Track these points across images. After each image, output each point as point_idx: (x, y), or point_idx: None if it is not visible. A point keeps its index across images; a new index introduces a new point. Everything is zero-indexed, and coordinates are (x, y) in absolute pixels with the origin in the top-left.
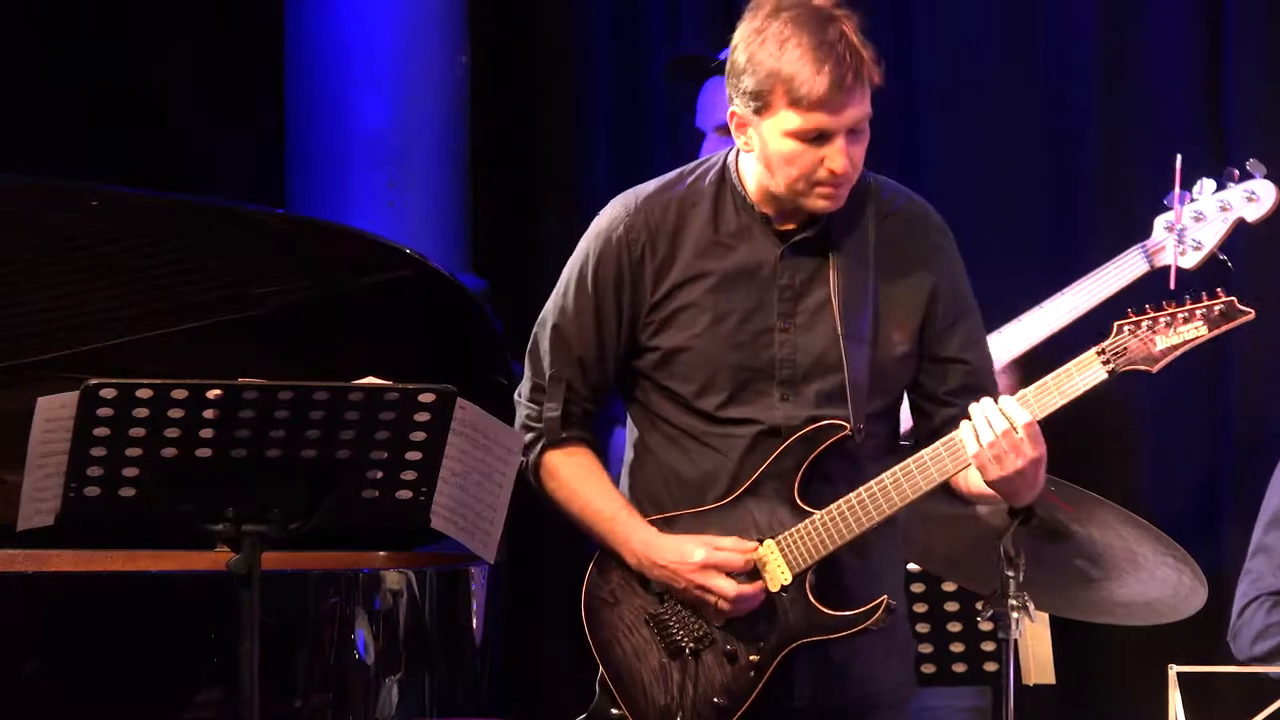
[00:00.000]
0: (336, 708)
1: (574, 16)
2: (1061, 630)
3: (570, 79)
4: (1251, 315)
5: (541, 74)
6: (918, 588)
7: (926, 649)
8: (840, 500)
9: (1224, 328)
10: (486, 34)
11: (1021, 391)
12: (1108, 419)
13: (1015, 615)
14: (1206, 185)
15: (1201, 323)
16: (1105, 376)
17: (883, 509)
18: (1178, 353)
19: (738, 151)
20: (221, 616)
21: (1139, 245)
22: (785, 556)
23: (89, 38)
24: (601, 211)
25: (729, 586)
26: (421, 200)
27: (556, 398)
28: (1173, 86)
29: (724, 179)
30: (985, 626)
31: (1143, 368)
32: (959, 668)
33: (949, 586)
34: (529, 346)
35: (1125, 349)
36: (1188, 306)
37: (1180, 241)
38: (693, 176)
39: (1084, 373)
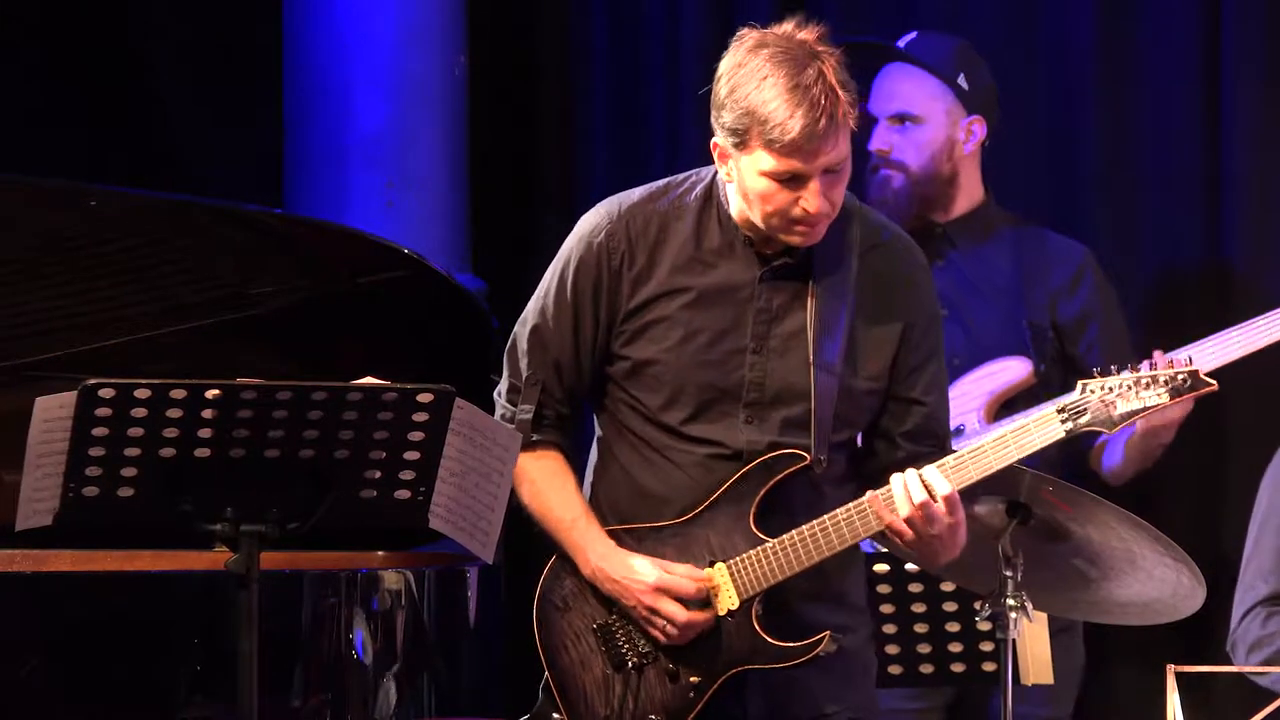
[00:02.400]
0: (335, 708)
1: (574, 16)
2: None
3: (570, 79)
4: (1214, 387)
5: (541, 74)
6: (916, 587)
7: (925, 649)
8: (794, 531)
9: (1186, 398)
10: (486, 34)
11: (979, 442)
12: None
13: (1013, 615)
14: None
15: (1164, 390)
16: (1063, 435)
17: (833, 544)
18: (1137, 418)
19: None
20: (220, 616)
21: None
22: (734, 581)
23: (89, 37)
24: (585, 216)
25: (678, 612)
26: (420, 200)
27: (530, 400)
28: (1173, 87)
29: (711, 195)
30: (984, 626)
31: (1100, 429)
32: (957, 667)
33: (947, 586)
34: (508, 345)
35: (1085, 409)
36: (1152, 372)
37: None
38: (680, 189)
39: (1042, 429)
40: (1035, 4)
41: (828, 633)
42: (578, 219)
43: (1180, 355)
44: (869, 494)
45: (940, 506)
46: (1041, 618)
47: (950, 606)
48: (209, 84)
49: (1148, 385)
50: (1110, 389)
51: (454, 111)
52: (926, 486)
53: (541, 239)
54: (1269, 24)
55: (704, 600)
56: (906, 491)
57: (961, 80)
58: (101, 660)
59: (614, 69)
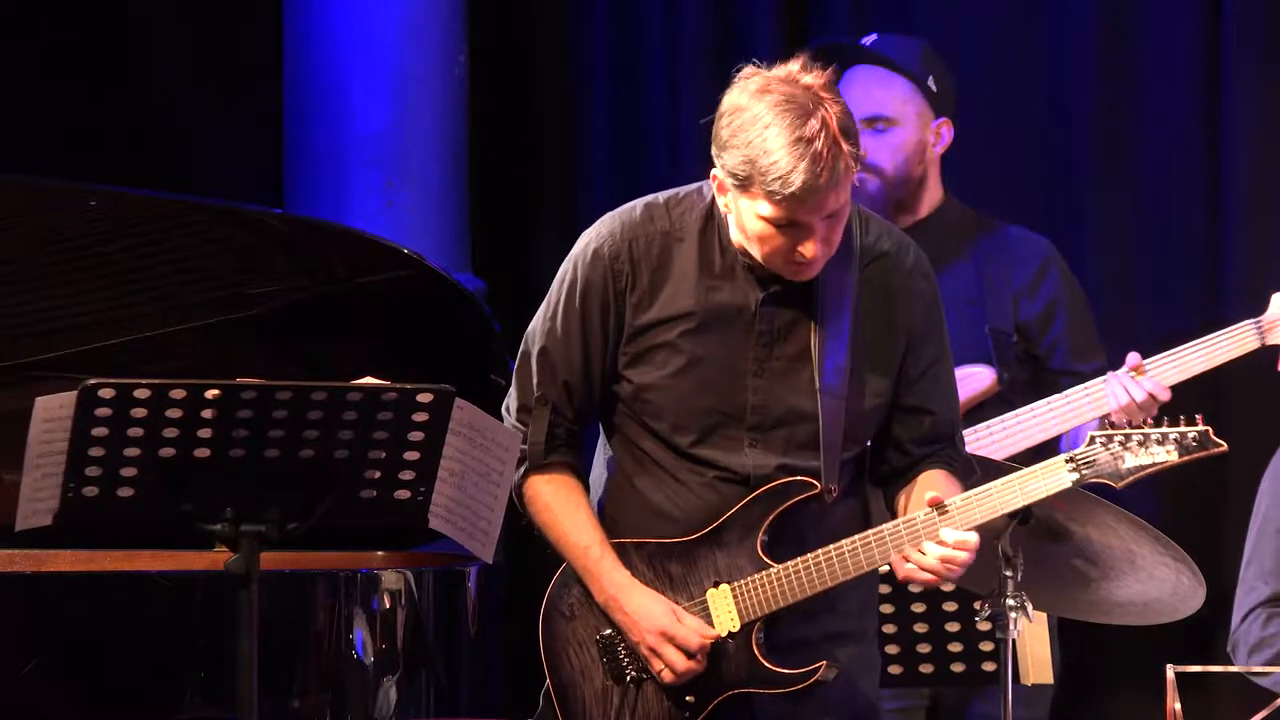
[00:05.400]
0: (335, 707)
1: (574, 17)
2: (1060, 630)
3: (570, 79)
4: (1224, 449)
5: (541, 74)
6: (916, 587)
7: (925, 649)
8: (800, 558)
9: (1195, 456)
10: (486, 33)
11: (987, 485)
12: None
13: (1013, 615)
14: None
15: (1174, 448)
16: (1069, 485)
17: (837, 575)
18: (1144, 474)
19: None
20: (220, 616)
21: (1253, 320)
22: (737, 604)
23: (88, 37)
24: (587, 234)
25: (679, 661)
26: (420, 200)
27: (541, 420)
28: (1173, 87)
29: (712, 216)
30: (983, 626)
31: (1108, 482)
32: (957, 667)
33: (947, 586)
34: (517, 362)
35: (1094, 461)
36: (1163, 429)
37: None
38: (680, 208)
39: (1050, 477)
40: (1035, 4)
41: (824, 663)
42: (577, 218)
43: (1143, 363)
44: (893, 523)
45: (967, 556)
46: (1041, 618)
47: (950, 606)
48: (209, 84)
49: (1158, 442)
50: (1120, 442)
51: (454, 111)
52: (955, 546)
53: (541, 238)
54: (1269, 24)
55: (705, 617)
56: (938, 561)
57: (931, 83)
58: (101, 660)
59: (614, 69)
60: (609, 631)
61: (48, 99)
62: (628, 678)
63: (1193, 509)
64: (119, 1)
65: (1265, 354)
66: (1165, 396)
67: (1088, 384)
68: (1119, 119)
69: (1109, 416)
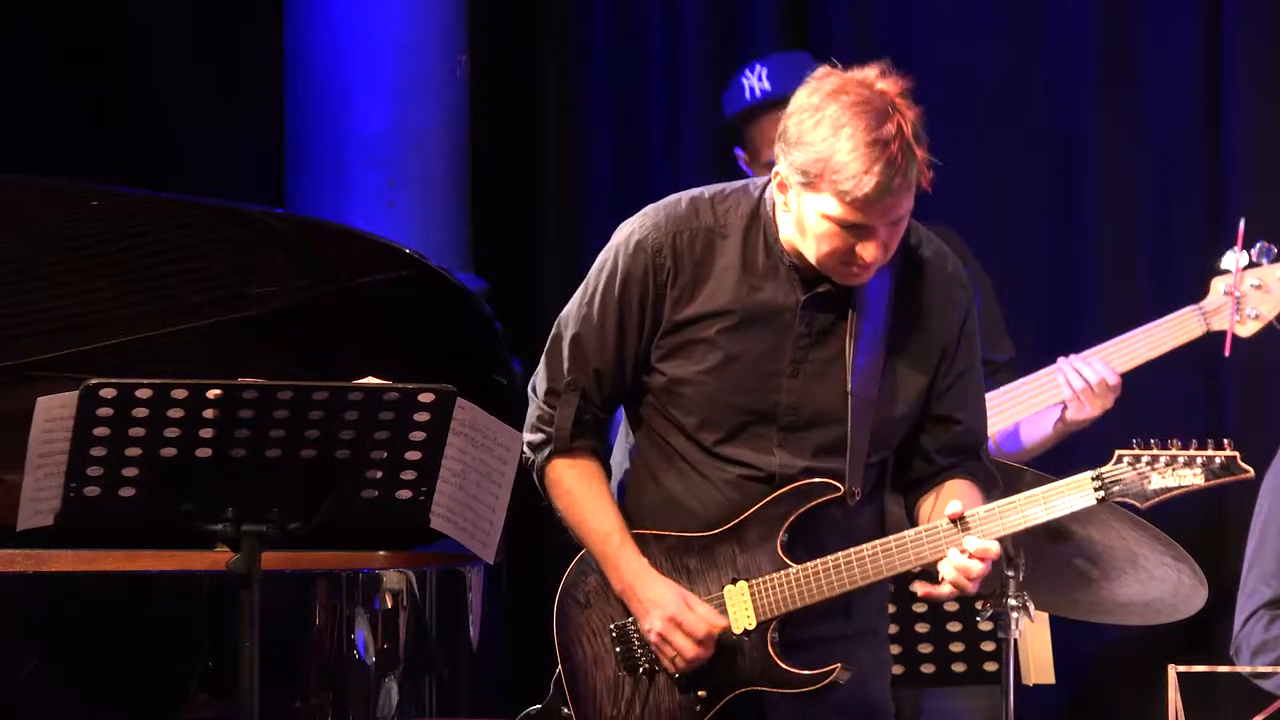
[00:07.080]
0: (336, 707)
1: (574, 16)
2: (1061, 630)
3: (570, 79)
4: (1250, 474)
5: (542, 74)
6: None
7: (926, 649)
8: (819, 560)
9: (1221, 480)
10: (487, 34)
11: (1011, 498)
12: (1105, 419)
13: (1015, 615)
14: (1269, 253)
15: (1201, 471)
16: (1094, 503)
17: (856, 579)
18: (1169, 495)
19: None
20: (221, 616)
21: (1195, 307)
22: (754, 602)
23: (88, 37)
24: (629, 223)
25: (687, 648)
26: (421, 200)
27: (570, 405)
28: (1173, 87)
29: (757, 214)
30: (985, 626)
31: (1133, 501)
32: (959, 667)
33: None
34: (549, 344)
35: (1120, 480)
36: (1190, 452)
37: (1238, 309)
38: (725, 206)
39: (1074, 494)
40: (1035, 4)
41: (839, 665)
42: (577, 218)
43: (1089, 355)
44: (915, 530)
45: (986, 568)
46: (1043, 617)
47: (952, 606)
48: (209, 84)
49: (1185, 464)
50: (1147, 463)
51: (455, 111)
52: (975, 556)
53: (541, 239)
54: (1269, 24)
55: (721, 611)
56: (963, 576)
57: None
58: (101, 660)
59: (614, 69)
60: (623, 621)
61: (48, 99)
62: (640, 669)
63: (1194, 509)
64: (119, 1)
65: (1261, 350)
66: (1114, 380)
67: (1035, 375)
68: (1119, 119)
69: (1066, 409)
